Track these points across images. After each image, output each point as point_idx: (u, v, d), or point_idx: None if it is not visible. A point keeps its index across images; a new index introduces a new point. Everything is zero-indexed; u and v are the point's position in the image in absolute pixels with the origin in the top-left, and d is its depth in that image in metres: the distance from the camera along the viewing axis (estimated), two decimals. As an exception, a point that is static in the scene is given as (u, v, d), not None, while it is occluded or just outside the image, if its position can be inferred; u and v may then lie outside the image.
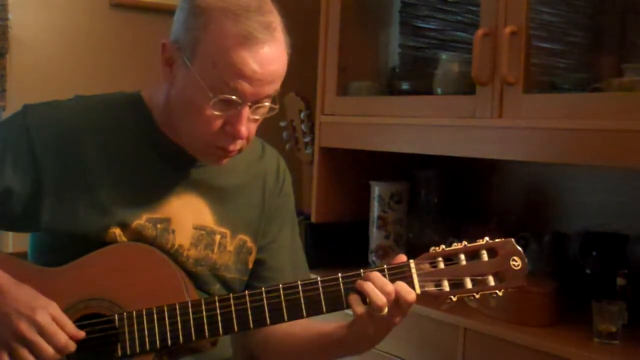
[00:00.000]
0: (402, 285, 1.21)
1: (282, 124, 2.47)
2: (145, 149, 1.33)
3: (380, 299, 1.19)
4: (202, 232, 1.36)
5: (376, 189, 2.23)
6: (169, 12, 1.31)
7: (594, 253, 1.92)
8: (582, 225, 2.02)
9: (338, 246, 2.29)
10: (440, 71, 2.04)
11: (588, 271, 1.91)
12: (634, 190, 1.97)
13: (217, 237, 1.37)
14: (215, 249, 1.37)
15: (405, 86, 2.22)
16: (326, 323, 1.36)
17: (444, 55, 2.07)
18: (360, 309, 1.21)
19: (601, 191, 2.04)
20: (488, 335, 1.73)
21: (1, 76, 2.30)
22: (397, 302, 1.20)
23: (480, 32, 1.78)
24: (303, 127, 2.40)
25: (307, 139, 2.40)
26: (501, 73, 1.75)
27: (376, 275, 1.21)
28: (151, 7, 2.51)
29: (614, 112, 1.57)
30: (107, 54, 2.51)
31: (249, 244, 1.42)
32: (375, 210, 2.23)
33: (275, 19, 1.23)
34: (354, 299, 1.22)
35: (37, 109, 1.33)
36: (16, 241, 2.21)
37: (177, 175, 1.35)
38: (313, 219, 2.32)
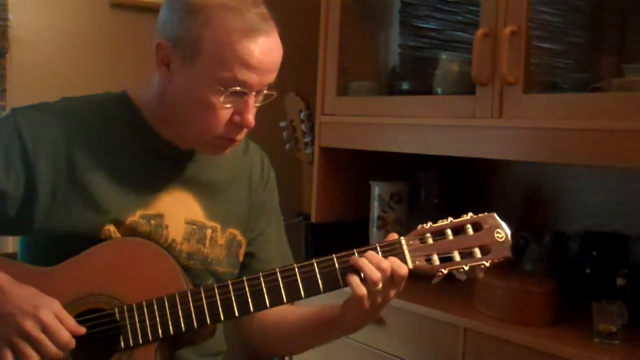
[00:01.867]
0: (394, 261, 1.25)
1: (282, 124, 2.47)
2: (135, 146, 1.34)
3: (375, 274, 1.23)
4: (194, 226, 1.37)
5: (376, 189, 2.23)
6: (169, 12, 1.30)
7: (594, 253, 1.92)
8: (582, 225, 2.02)
9: (338, 246, 2.28)
10: (440, 71, 2.04)
11: (588, 271, 1.91)
12: (634, 190, 1.97)
13: (208, 232, 1.39)
14: (207, 243, 1.39)
15: (405, 86, 2.22)
16: (321, 305, 1.39)
17: (444, 55, 2.07)
18: (356, 283, 1.23)
19: (601, 191, 2.04)
20: (488, 335, 1.73)
21: (1, 76, 2.30)
22: (391, 277, 1.24)
23: (480, 32, 1.79)
24: (303, 127, 2.40)
25: (307, 139, 2.40)
26: (501, 73, 1.75)
27: (371, 253, 1.26)
28: (151, 7, 2.50)
29: (614, 112, 1.57)
30: (107, 54, 2.51)
31: (239, 237, 1.44)
32: (375, 210, 2.23)
33: (266, 9, 1.27)
34: (350, 276, 1.25)
35: (26, 112, 1.33)
36: (16, 241, 2.21)
37: (167, 172, 1.36)
38: (313, 219, 2.32)
